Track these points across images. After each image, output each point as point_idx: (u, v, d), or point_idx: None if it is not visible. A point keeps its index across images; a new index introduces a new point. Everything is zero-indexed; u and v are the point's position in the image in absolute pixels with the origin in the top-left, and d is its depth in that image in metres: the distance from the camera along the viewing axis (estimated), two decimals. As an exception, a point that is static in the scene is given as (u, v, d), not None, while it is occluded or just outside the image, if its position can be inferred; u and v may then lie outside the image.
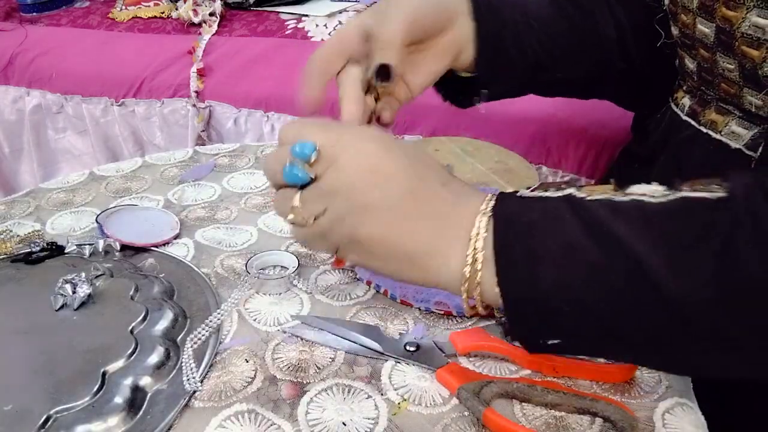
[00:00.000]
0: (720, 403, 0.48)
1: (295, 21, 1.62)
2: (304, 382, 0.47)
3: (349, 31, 0.49)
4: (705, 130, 0.62)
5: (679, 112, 0.66)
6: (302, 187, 0.40)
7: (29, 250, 0.59)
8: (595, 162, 1.03)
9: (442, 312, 0.53)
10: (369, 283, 0.57)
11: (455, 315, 0.53)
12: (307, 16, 1.63)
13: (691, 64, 0.62)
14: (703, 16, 0.56)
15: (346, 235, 0.40)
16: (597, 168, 1.03)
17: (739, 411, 0.56)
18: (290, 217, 0.41)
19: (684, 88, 0.67)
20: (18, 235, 0.63)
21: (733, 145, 0.59)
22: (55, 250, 0.60)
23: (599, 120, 1.04)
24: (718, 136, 0.60)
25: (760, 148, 0.56)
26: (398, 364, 0.48)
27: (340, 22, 1.59)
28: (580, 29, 0.60)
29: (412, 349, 0.49)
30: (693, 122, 0.64)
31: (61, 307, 0.52)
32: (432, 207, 0.39)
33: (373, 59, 0.48)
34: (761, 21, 0.51)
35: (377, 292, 0.56)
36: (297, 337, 0.51)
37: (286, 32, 1.58)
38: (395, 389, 0.46)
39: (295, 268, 0.57)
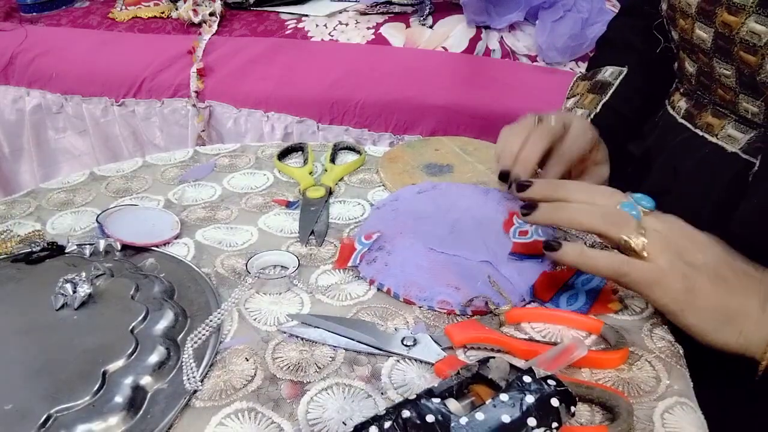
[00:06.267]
0: (720, 403, 0.48)
1: (295, 21, 1.62)
2: (305, 381, 0.47)
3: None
4: (701, 134, 0.61)
5: (675, 115, 0.66)
6: None
7: (29, 250, 0.59)
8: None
9: (445, 311, 0.53)
10: (372, 282, 0.57)
11: (458, 314, 0.53)
12: (307, 16, 1.63)
13: (691, 68, 0.62)
14: (703, 21, 0.56)
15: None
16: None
17: (739, 411, 0.56)
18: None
19: (681, 90, 0.67)
20: (18, 235, 0.63)
21: (729, 148, 0.58)
22: (55, 250, 0.60)
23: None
24: (714, 140, 0.60)
25: (760, 157, 0.56)
26: (398, 363, 0.48)
27: (340, 22, 1.59)
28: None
29: (409, 343, 0.49)
30: (689, 125, 0.63)
31: (62, 306, 0.52)
32: (743, 280, 0.48)
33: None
34: (758, 27, 0.51)
35: (379, 290, 0.56)
36: (296, 336, 0.51)
37: (286, 32, 1.58)
38: (395, 388, 0.46)
39: (295, 268, 0.57)
